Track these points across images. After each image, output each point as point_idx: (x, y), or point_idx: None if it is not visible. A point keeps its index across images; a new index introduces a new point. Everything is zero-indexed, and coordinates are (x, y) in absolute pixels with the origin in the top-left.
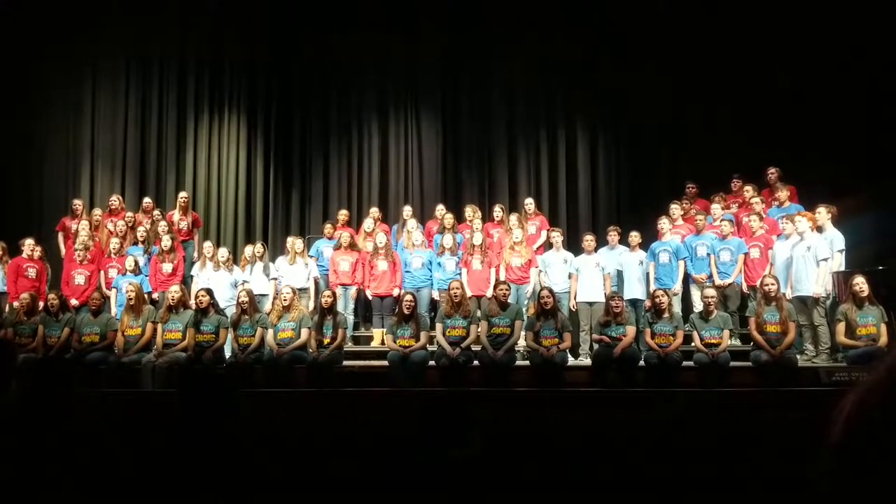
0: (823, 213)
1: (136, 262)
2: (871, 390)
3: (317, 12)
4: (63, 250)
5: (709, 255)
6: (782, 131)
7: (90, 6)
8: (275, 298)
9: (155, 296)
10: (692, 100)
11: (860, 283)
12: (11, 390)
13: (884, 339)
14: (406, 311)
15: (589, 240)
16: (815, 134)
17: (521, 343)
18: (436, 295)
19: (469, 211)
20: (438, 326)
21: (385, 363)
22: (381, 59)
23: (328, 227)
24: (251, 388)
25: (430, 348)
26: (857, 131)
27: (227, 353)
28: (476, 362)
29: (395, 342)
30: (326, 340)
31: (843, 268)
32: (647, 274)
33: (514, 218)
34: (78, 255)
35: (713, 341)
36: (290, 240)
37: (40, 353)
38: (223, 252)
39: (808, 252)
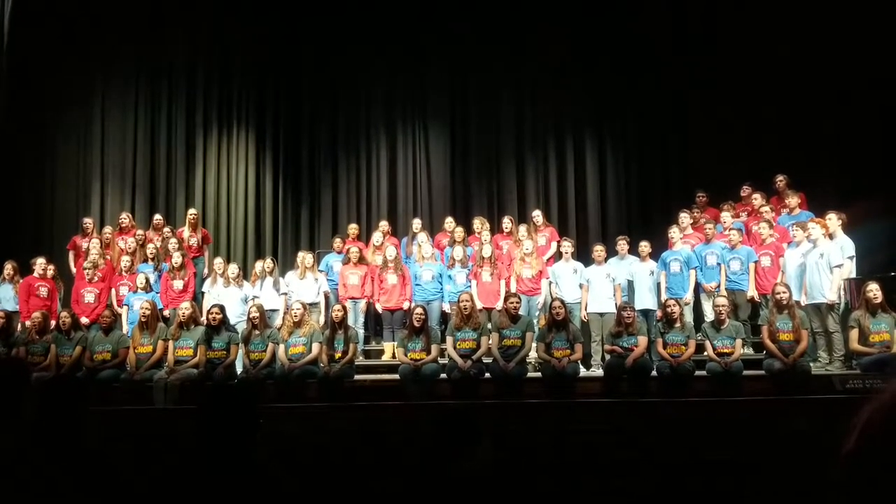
0: (834, 220)
1: (147, 280)
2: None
3: (324, 27)
4: (74, 269)
5: (719, 264)
6: (791, 138)
7: (99, 26)
8: (285, 314)
9: (166, 313)
10: (700, 108)
11: (874, 290)
12: (25, 410)
13: None
14: (416, 325)
15: (599, 250)
16: (824, 140)
17: (533, 355)
18: (447, 307)
19: (477, 223)
20: (449, 339)
21: (396, 377)
22: (389, 72)
23: (338, 242)
24: (263, 403)
25: (442, 361)
26: (867, 137)
27: (239, 369)
28: (487, 375)
29: (406, 356)
30: (338, 355)
31: (853, 274)
32: (658, 284)
33: (523, 229)
34: (88, 273)
35: (726, 350)
36: (300, 255)
37: (53, 372)
38: (233, 268)
39: (821, 259)
